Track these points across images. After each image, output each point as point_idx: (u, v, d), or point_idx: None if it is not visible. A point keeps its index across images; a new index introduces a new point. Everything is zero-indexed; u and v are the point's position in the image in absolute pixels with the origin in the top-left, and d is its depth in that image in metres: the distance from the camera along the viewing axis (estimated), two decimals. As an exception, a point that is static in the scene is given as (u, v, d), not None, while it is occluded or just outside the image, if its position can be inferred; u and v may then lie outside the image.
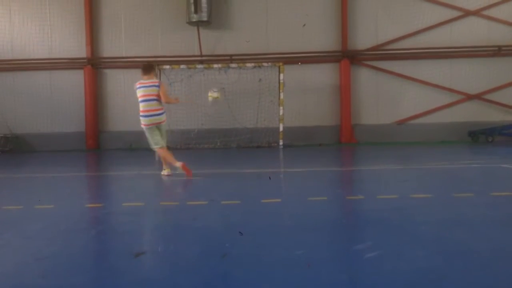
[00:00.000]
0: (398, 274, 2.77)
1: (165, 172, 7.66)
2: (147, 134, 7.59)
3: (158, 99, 7.44)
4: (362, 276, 2.77)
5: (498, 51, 15.67)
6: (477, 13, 15.76)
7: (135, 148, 15.12)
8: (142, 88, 7.44)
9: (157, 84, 7.52)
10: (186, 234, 3.91)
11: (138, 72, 16.41)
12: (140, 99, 7.44)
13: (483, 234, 3.69)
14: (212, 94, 8.65)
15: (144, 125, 7.49)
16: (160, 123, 7.53)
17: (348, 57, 15.84)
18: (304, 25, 15.53)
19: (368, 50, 16.03)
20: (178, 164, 7.35)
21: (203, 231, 3.97)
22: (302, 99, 15.89)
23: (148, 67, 7.70)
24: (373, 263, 2.96)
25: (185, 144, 14.84)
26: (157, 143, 7.53)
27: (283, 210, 4.86)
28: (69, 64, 16.15)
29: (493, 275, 2.74)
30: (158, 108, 7.44)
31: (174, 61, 15.35)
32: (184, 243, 3.58)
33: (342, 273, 2.84)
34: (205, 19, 15.23)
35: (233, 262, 3.04)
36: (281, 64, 14.57)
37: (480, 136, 15.25)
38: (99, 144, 16.20)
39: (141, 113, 7.46)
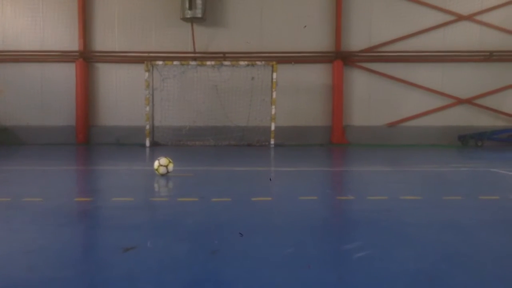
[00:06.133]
0: (386, 274, 2.78)
1: None
2: None
3: None
4: (350, 276, 2.78)
5: (489, 57, 15.80)
6: (470, 18, 15.88)
7: (123, 143, 15.04)
8: None
9: None
10: (176, 230, 3.90)
11: (130, 66, 16.30)
12: None
13: (471, 237, 3.72)
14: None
15: None
16: None
17: (341, 58, 15.88)
18: (305, 26, 15.54)
19: (361, 51, 16.08)
20: None
21: (193, 227, 3.96)
22: (294, 98, 15.92)
23: None
24: (362, 263, 2.97)
25: (176, 141, 14.81)
26: None
27: (274, 209, 4.86)
28: (61, 57, 16.01)
29: (480, 277, 2.77)
30: None
31: (167, 57, 15.29)
32: (173, 239, 3.57)
33: (331, 273, 2.85)
34: (199, 15, 15.18)
35: (223, 259, 3.04)
36: (274, 63, 14.57)
37: (470, 140, 15.38)
38: (89, 139, 16.08)
39: None
